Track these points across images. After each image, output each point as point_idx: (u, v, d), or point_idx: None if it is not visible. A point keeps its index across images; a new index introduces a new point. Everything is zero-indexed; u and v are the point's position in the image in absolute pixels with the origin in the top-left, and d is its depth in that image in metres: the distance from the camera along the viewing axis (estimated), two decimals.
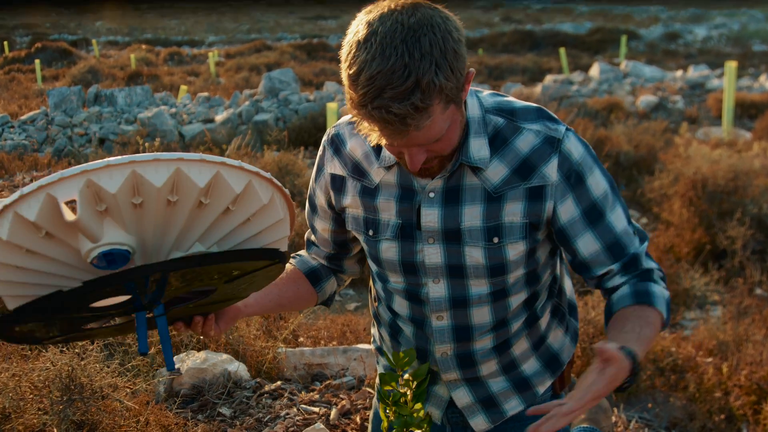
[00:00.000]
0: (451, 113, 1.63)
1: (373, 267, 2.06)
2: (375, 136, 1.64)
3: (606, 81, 16.41)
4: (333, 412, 3.47)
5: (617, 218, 1.85)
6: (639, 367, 1.67)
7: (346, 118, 1.98)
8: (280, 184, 1.57)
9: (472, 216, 1.83)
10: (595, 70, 17.53)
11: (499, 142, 1.80)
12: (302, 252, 2.19)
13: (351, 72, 1.55)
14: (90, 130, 11.62)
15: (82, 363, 2.96)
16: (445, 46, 1.54)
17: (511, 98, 1.87)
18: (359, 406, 3.56)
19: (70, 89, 12.26)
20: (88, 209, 1.34)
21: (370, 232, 1.96)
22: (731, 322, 4.92)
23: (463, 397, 2.07)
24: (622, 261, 1.87)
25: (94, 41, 31.70)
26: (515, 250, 1.85)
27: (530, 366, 2.06)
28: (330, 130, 2.01)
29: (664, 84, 15.83)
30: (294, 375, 3.94)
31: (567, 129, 1.80)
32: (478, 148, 1.79)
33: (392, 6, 1.59)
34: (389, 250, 1.95)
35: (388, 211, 1.91)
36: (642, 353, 1.71)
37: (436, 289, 1.94)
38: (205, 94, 13.93)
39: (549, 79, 16.59)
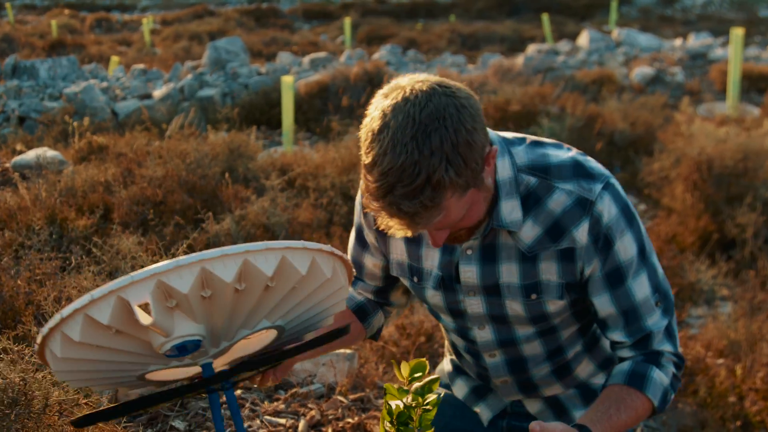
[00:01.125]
0: (470, 197, 1.79)
1: (425, 304, 2.30)
2: (394, 227, 1.81)
3: (596, 51, 16.57)
4: (301, 424, 3.49)
5: (639, 286, 2.03)
6: None
7: None
8: (341, 253, 1.76)
9: (509, 273, 2.06)
10: (584, 39, 17.67)
11: (531, 202, 1.99)
12: None
13: (366, 162, 1.74)
14: (8, 106, 11.48)
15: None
16: (457, 140, 1.69)
17: (548, 150, 2.04)
18: (330, 417, 3.58)
19: None
20: (159, 307, 1.52)
21: (415, 279, 2.21)
22: (743, 319, 5.01)
23: (535, 404, 2.37)
24: (634, 336, 2.05)
25: (7, 4, 31.27)
26: (555, 305, 2.09)
27: (599, 382, 2.33)
28: None
29: (662, 54, 16.02)
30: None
31: (603, 188, 1.97)
32: (510, 210, 1.98)
33: (407, 93, 1.73)
34: (434, 297, 2.20)
35: (430, 260, 2.15)
36: None
37: (483, 335, 2.21)
38: (141, 66, 13.85)
39: (532, 49, 16.71)
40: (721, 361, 4.41)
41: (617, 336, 2.07)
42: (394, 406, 1.93)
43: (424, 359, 1.99)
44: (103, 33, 27.50)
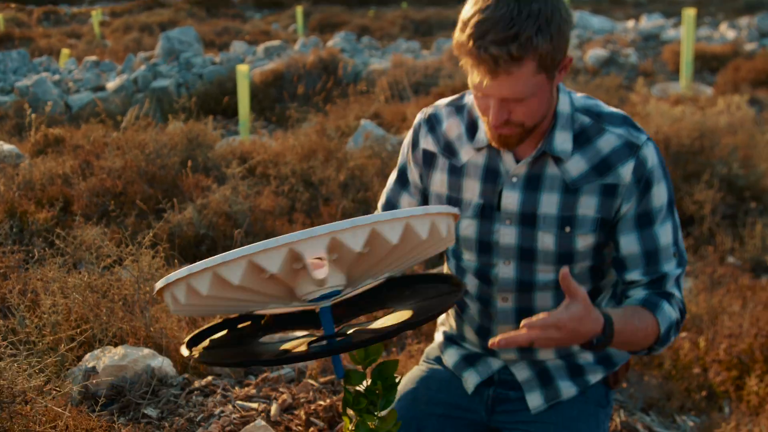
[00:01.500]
0: (539, 81, 2.02)
1: None
2: (475, 75, 2.02)
3: None
4: (273, 408, 3.51)
5: (664, 233, 2.21)
6: (612, 332, 2.02)
7: (444, 100, 2.41)
8: (457, 212, 1.89)
9: (548, 203, 2.22)
10: None
11: (582, 140, 2.19)
12: None
13: (465, 18, 1.98)
14: None
15: None
16: (552, 17, 1.94)
17: (600, 102, 2.29)
18: (302, 400, 3.61)
19: None
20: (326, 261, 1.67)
21: None
22: (704, 293, 5.11)
23: (523, 371, 2.42)
24: (650, 276, 2.21)
25: None
26: (584, 242, 2.22)
27: (585, 357, 2.43)
28: (427, 110, 2.43)
29: (615, 36, 16.15)
30: (226, 369, 3.97)
31: (648, 139, 2.19)
32: (562, 141, 2.18)
33: None
34: (468, 228, 2.33)
35: (471, 190, 2.31)
36: (619, 327, 2.05)
37: (506, 271, 2.31)
38: (93, 58, 13.73)
39: None
40: (684, 334, 4.50)
41: (634, 275, 2.21)
42: (354, 392, 1.95)
43: (380, 345, 2.01)
44: (51, 26, 27.21)
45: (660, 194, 2.18)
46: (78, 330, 3.72)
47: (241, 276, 1.61)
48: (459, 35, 2.00)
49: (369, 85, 11.63)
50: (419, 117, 2.43)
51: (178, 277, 1.66)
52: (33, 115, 7.47)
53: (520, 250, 2.27)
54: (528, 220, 2.24)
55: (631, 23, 18.17)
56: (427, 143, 2.39)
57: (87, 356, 3.67)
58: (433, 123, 2.39)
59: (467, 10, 1.99)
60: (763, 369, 4.08)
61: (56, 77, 12.38)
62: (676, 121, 7.43)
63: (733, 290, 5.27)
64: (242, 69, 9.97)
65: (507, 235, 2.27)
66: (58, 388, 3.08)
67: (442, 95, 9.65)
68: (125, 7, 31.57)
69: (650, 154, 2.16)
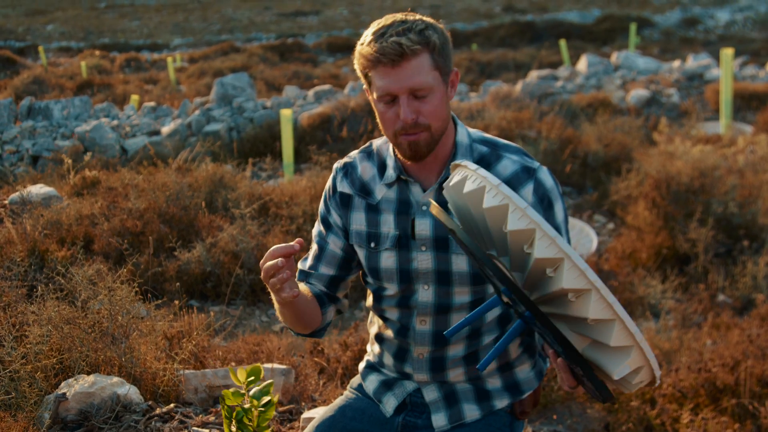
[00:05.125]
0: (437, 78, 2.26)
1: (371, 281, 2.60)
2: (379, 79, 2.25)
3: (594, 75, 16.58)
4: None
5: None
6: None
7: (355, 151, 2.61)
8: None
9: None
10: (582, 64, 17.65)
11: (483, 166, 2.37)
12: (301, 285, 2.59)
13: (364, 37, 2.26)
14: (22, 146, 11.87)
15: None
16: (437, 31, 2.25)
17: (495, 137, 2.53)
18: None
19: (0, 103, 12.54)
20: None
21: (372, 245, 2.52)
22: (676, 330, 5.18)
23: (431, 392, 2.57)
24: None
25: (40, 48, 31.97)
26: None
27: (493, 383, 2.57)
28: (342, 161, 2.62)
29: (658, 76, 16.04)
30: (195, 398, 4.18)
31: (540, 166, 2.41)
32: None
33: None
34: (388, 259, 2.50)
35: (387, 224, 2.49)
36: None
37: (425, 295, 2.48)
38: (152, 103, 14.21)
39: (533, 74, 16.81)
40: None
41: None
42: (233, 409, 2.17)
43: (258, 365, 2.23)
44: (132, 72, 27.96)
45: (559, 211, 2.38)
46: (55, 360, 3.97)
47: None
48: (361, 49, 2.25)
49: None
50: (335, 167, 2.62)
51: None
52: (70, 160, 7.84)
53: (437, 274, 2.44)
54: (441, 244, 2.41)
55: (676, 63, 18.01)
56: (344, 187, 2.55)
57: (62, 384, 3.93)
58: (348, 169, 2.57)
59: (365, 35, 2.26)
60: (705, 403, 4.15)
61: (115, 122, 12.85)
62: (679, 160, 7.48)
63: (708, 328, 5.31)
64: (285, 113, 10.27)
65: (424, 260, 2.43)
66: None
67: None
68: (203, 52, 32.35)
69: (545, 177, 2.37)
